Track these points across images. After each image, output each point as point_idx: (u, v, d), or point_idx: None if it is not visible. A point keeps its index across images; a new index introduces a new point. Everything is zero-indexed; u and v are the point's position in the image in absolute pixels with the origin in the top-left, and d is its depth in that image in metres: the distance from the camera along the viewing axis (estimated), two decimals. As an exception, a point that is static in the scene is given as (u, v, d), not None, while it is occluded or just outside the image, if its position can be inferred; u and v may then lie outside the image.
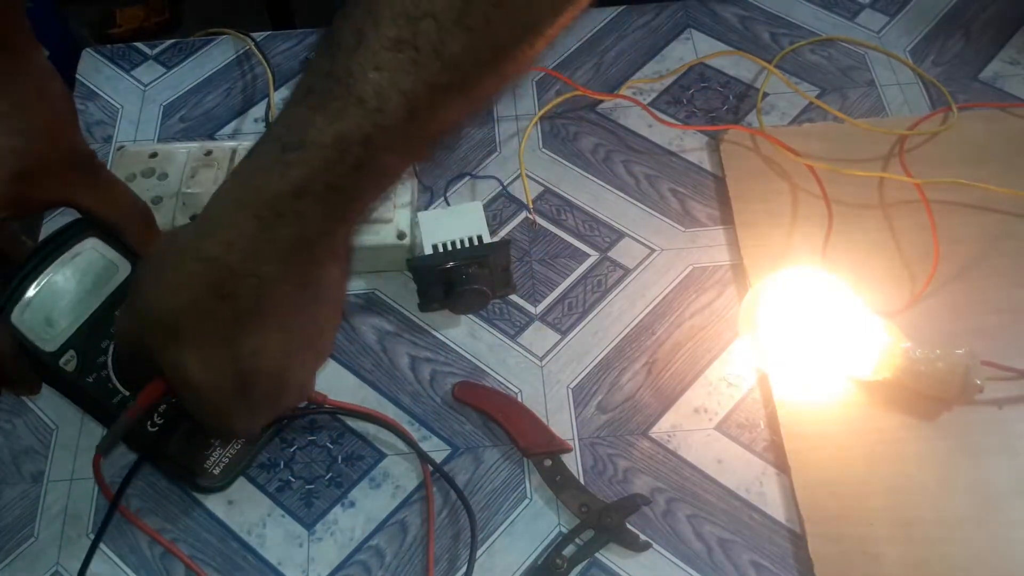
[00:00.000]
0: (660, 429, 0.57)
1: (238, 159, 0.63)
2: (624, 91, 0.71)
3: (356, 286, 0.63)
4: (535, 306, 0.62)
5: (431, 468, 0.55)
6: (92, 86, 0.75)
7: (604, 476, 0.55)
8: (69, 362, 0.49)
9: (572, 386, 0.59)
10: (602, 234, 0.65)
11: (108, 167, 0.69)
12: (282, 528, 0.54)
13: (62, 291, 0.49)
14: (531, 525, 0.54)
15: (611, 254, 0.64)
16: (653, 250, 0.64)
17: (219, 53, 0.76)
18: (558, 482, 0.54)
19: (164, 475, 0.56)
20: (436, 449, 0.56)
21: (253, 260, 0.39)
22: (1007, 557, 0.51)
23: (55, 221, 0.67)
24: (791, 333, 0.55)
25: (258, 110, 0.72)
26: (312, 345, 0.44)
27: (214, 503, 0.55)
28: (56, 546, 0.54)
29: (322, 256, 0.41)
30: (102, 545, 0.54)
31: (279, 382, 0.43)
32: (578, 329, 0.61)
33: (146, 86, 0.75)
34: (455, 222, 0.60)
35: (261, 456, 0.56)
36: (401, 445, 0.57)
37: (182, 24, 1.80)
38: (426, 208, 0.66)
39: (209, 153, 0.64)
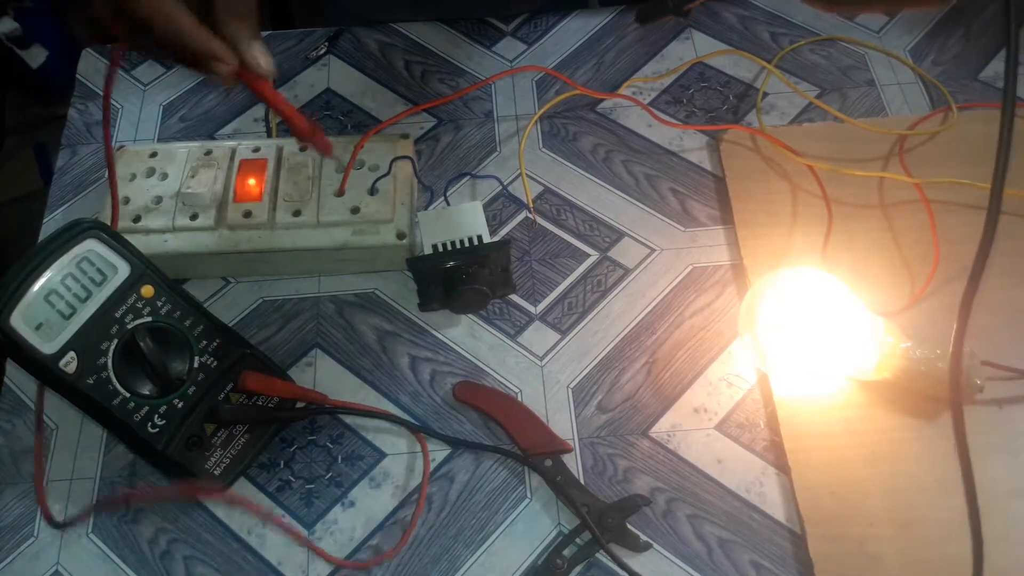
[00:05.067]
0: (660, 429, 0.57)
1: (238, 158, 0.63)
2: (624, 91, 0.71)
3: (356, 286, 0.63)
4: (535, 306, 0.62)
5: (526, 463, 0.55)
6: (92, 86, 0.75)
7: (604, 476, 0.55)
8: (69, 364, 0.49)
9: (572, 386, 0.59)
10: (602, 234, 0.65)
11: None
12: (282, 528, 0.54)
13: (62, 292, 0.49)
14: (531, 525, 0.54)
15: (611, 254, 0.64)
16: (653, 250, 0.64)
17: (219, 53, 0.76)
18: (558, 482, 0.54)
19: (165, 475, 0.56)
20: (436, 448, 0.56)
21: None
22: (1007, 557, 0.51)
23: (55, 221, 0.67)
24: (791, 333, 0.55)
25: (258, 110, 0.72)
26: None
27: (214, 503, 0.55)
28: (56, 546, 0.54)
29: None
30: (102, 545, 0.54)
31: None
32: (578, 329, 0.61)
33: (146, 86, 0.75)
34: (455, 222, 0.60)
35: (261, 456, 0.56)
36: (402, 444, 0.57)
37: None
38: (426, 208, 0.66)
39: (209, 153, 0.64)
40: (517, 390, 0.58)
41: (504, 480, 0.55)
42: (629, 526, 0.53)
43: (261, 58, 0.49)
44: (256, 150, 0.64)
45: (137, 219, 0.61)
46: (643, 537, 0.53)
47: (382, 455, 0.57)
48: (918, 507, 0.53)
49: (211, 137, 0.71)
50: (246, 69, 0.49)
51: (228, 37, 0.48)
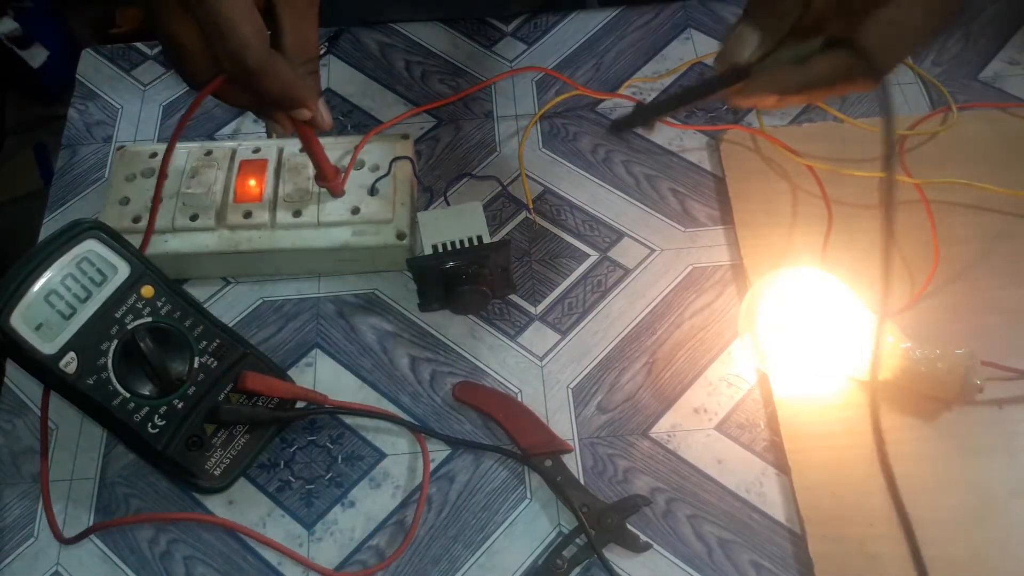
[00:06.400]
0: (660, 429, 0.57)
1: (238, 159, 0.64)
2: (624, 91, 0.71)
3: (356, 286, 0.63)
4: (535, 306, 0.62)
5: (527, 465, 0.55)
6: (92, 86, 0.75)
7: (604, 476, 0.55)
8: (69, 364, 0.49)
9: (572, 386, 0.59)
10: (602, 234, 0.65)
11: (108, 167, 0.69)
12: (282, 528, 0.54)
13: (62, 292, 0.49)
14: (531, 525, 0.54)
15: (611, 254, 0.64)
16: (653, 250, 0.64)
17: (219, 53, 0.76)
18: (558, 482, 0.54)
19: (165, 476, 0.56)
20: (436, 449, 0.56)
21: None
22: (1007, 557, 0.51)
23: (55, 221, 0.67)
24: (791, 333, 0.55)
25: (258, 110, 0.72)
26: None
27: (214, 503, 0.55)
28: (56, 546, 0.54)
29: None
30: (102, 545, 0.54)
31: None
32: (578, 329, 0.61)
33: (146, 86, 0.75)
34: (455, 222, 0.60)
35: (261, 456, 0.56)
36: (402, 444, 0.57)
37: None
38: (426, 208, 0.66)
39: (209, 153, 0.64)
40: (517, 390, 0.58)
41: (504, 480, 0.55)
42: (629, 526, 0.53)
43: (325, 113, 0.55)
44: (256, 151, 0.64)
45: (137, 219, 0.61)
46: (643, 537, 0.53)
47: (382, 455, 0.57)
48: (918, 507, 0.53)
49: (211, 137, 0.71)
50: (314, 125, 0.54)
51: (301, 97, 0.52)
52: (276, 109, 0.53)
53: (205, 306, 0.57)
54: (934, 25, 0.42)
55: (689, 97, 0.50)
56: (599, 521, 0.53)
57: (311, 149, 0.58)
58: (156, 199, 0.58)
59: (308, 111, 0.53)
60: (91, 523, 0.54)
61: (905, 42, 0.42)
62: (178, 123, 0.55)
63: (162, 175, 0.56)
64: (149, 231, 0.59)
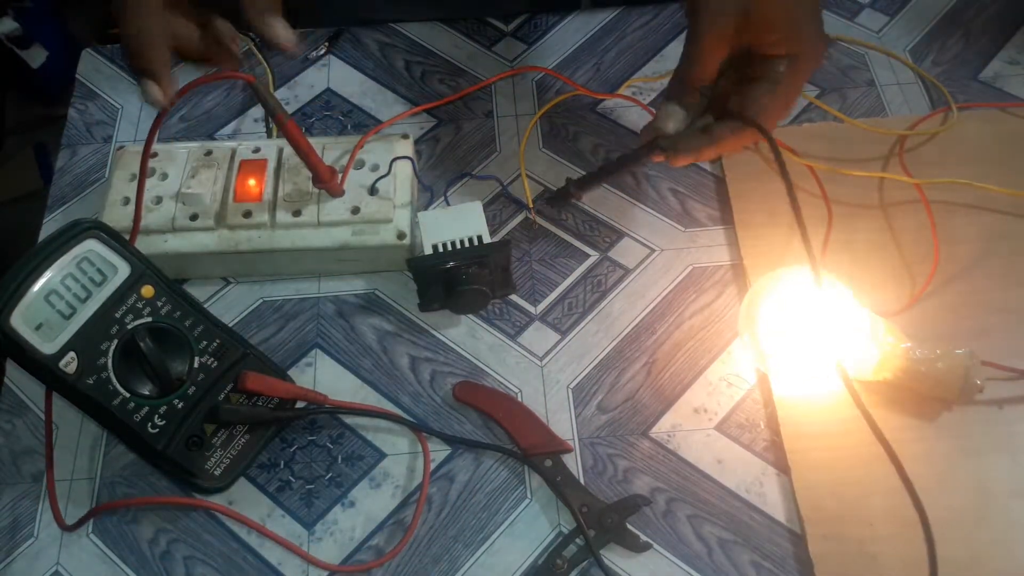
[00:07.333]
0: (660, 429, 0.57)
1: (238, 159, 0.63)
2: (624, 91, 0.71)
3: (356, 286, 0.63)
4: (535, 306, 0.62)
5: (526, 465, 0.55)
6: (92, 86, 0.75)
7: (604, 476, 0.55)
8: (69, 364, 0.49)
9: (572, 386, 0.59)
10: (602, 234, 0.65)
11: (108, 167, 0.69)
12: (282, 528, 0.54)
13: (61, 292, 0.49)
14: (531, 525, 0.54)
15: (611, 254, 0.64)
16: (653, 250, 0.64)
17: (219, 53, 0.76)
18: (558, 482, 0.54)
19: (165, 476, 0.56)
20: (436, 449, 0.56)
21: None
22: (1007, 557, 0.51)
23: (55, 221, 0.67)
24: (791, 333, 0.55)
25: (258, 110, 0.72)
26: None
27: (214, 503, 0.55)
28: (56, 546, 0.54)
29: None
30: (102, 545, 0.54)
31: None
32: (578, 329, 0.61)
33: (146, 86, 0.74)
34: (455, 222, 0.60)
35: (261, 456, 0.56)
36: (403, 444, 0.57)
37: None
38: (426, 208, 0.66)
39: (209, 153, 0.64)
40: (517, 390, 0.58)
41: (504, 480, 0.55)
42: (629, 526, 0.53)
43: (284, 31, 0.52)
44: (256, 150, 0.64)
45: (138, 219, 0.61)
46: (643, 537, 0.53)
47: (382, 455, 0.57)
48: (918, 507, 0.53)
49: (211, 137, 0.71)
50: (270, 43, 0.53)
51: (253, 16, 0.52)
52: (131, 64, 0.52)
53: (205, 306, 0.57)
54: (799, 90, 0.55)
55: (614, 168, 0.59)
56: (599, 521, 0.53)
57: (301, 152, 0.58)
58: (140, 192, 0.58)
59: (159, 90, 0.52)
60: (91, 524, 0.54)
61: (777, 105, 0.54)
62: (155, 118, 0.56)
63: (144, 164, 0.56)
64: (135, 229, 0.59)
